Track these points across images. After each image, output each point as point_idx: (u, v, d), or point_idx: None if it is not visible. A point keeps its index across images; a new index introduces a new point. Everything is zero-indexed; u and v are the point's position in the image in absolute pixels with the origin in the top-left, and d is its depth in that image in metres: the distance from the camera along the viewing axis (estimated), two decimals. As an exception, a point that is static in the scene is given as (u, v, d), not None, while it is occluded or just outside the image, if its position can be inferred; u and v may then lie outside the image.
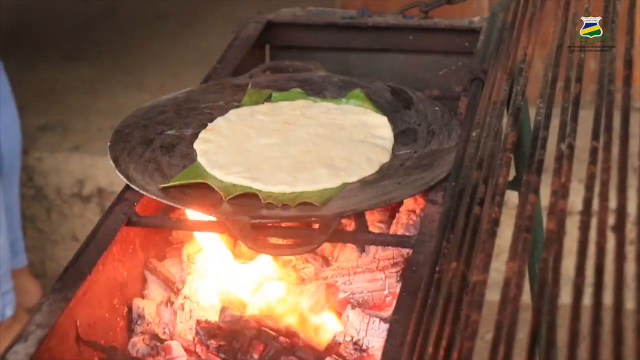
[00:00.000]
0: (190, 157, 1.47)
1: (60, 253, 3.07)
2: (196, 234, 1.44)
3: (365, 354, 1.29)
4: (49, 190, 3.04)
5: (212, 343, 1.30)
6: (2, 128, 2.74)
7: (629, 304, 0.85)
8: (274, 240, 1.31)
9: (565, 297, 0.91)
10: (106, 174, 2.95)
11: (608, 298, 0.86)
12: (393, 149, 1.49)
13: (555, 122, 1.21)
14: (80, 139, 3.10)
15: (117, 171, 1.42)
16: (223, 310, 1.33)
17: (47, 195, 3.04)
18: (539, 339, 0.89)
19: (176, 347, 1.33)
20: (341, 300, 1.37)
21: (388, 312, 1.34)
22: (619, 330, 0.81)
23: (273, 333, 1.30)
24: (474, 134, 1.34)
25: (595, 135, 1.12)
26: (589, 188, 1.02)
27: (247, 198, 1.37)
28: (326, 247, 1.46)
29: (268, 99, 1.64)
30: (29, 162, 3.00)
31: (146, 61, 3.60)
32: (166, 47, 3.71)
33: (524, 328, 0.91)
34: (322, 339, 1.33)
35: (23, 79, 3.30)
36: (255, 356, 1.27)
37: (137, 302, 1.39)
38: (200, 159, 1.46)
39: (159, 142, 1.51)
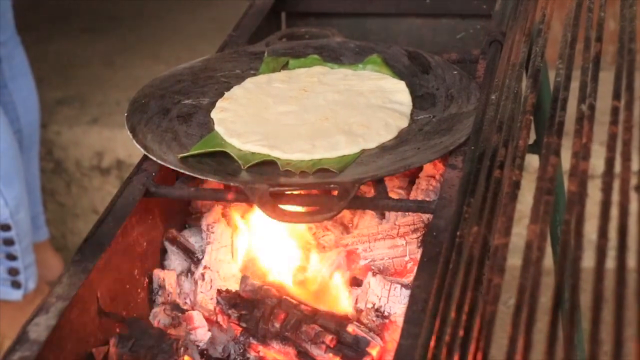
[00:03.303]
0: (207, 126, 1.46)
1: (81, 226, 3.08)
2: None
3: (387, 321, 1.29)
4: (69, 164, 3.04)
5: (233, 312, 1.29)
6: (21, 102, 2.75)
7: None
8: (293, 208, 1.30)
9: (587, 261, 0.90)
10: (125, 146, 2.95)
11: (632, 260, 0.85)
12: (412, 114, 1.48)
13: (575, 85, 1.19)
14: (98, 111, 3.10)
15: (134, 141, 1.41)
16: (244, 279, 1.33)
17: (66, 168, 3.05)
18: (562, 302, 0.88)
19: (197, 317, 1.33)
20: (362, 268, 1.37)
21: (409, 279, 1.33)
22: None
23: (294, 301, 1.29)
24: (493, 97, 1.33)
25: (616, 95, 1.10)
26: (611, 148, 1.01)
27: (266, 166, 1.36)
28: (346, 214, 1.46)
29: (285, 66, 1.63)
30: (47, 136, 3.01)
31: (163, 33, 3.59)
32: (182, 18, 3.70)
33: (547, 292, 0.90)
34: (344, 307, 1.32)
35: (40, 53, 3.30)
36: (277, 325, 1.27)
37: (158, 273, 1.39)
38: (217, 127, 1.45)
39: (176, 111, 1.50)
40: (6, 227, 2.57)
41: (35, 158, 2.84)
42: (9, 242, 2.59)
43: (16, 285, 2.65)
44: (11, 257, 2.61)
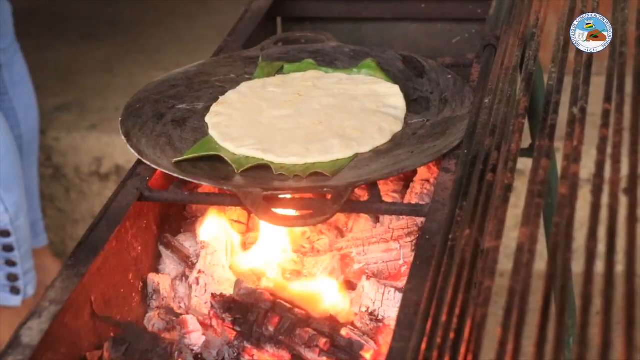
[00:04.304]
0: (201, 130, 1.46)
1: (80, 232, 3.08)
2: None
3: (381, 324, 1.29)
4: (68, 170, 3.04)
5: (228, 316, 1.29)
6: (20, 108, 2.75)
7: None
8: (286, 211, 1.30)
9: (582, 266, 0.90)
10: (124, 152, 2.95)
11: (621, 264, 0.85)
12: (405, 118, 1.48)
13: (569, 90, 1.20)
14: (97, 117, 3.10)
15: (128, 146, 1.42)
16: (238, 283, 1.33)
17: (65, 174, 3.05)
18: (551, 304, 0.89)
19: (192, 321, 1.32)
20: (356, 271, 1.37)
21: (403, 282, 1.33)
22: (632, 293, 0.80)
23: (288, 305, 1.29)
24: (486, 100, 1.33)
25: (607, 98, 1.10)
26: (601, 151, 1.01)
27: (260, 170, 1.36)
28: (340, 218, 1.46)
29: (280, 71, 1.63)
30: (46, 142, 3.01)
31: (162, 39, 3.60)
32: (182, 24, 3.71)
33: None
34: (338, 310, 1.32)
35: (40, 59, 3.30)
36: (271, 328, 1.27)
37: (152, 277, 1.39)
38: (212, 132, 1.45)
39: (171, 116, 1.50)
40: (6, 234, 2.57)
41: (35, 164, 2.85)
42: (8, 248, 2.59)
43: (15, 291, 2.65)
44: (10, 263, 2.61)
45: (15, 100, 2.74)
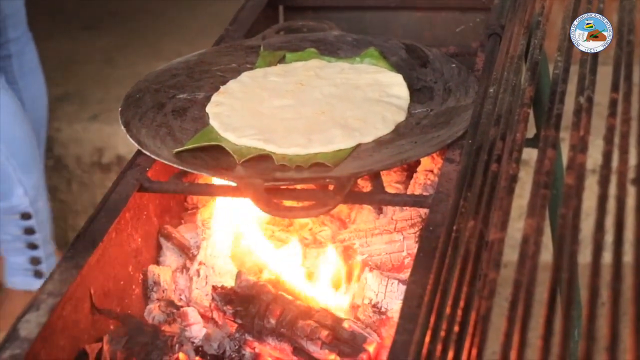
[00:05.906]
0: (202, 120, 1.45)
1: (81, 223, 3.04)
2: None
3: (384, 317, 1.27)
4: (69, 160, 3.03)
5: (229, 308, 1.28)
6: (28, 99, 2.74)
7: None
8: (288, 202, 1.28)
9: (588, 257, 0.89)
10: (125, 142, 2.92)
11: (628, 255, 0.83)
12: (409, 108, 1.46)
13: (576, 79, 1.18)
14: (99, 108, 3.08)
15: (128, 136, 1.40)
16: (239, 275, 1.31)
17: (67, 165, 3.04)
18: (558, 296, 0.87)
19: (192, 314, 1.31)
20: (359, 263, 1.35)
21: (407, 274, 1.31)
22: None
23: (290, 297, 1.28)
24: (491, 90, 1.31)
25: (614, 87, 1.09)
26: (609, 140, 0.99)
27: (261, 161, 1.34)
28: (343, 209, 1.44)
29: (281, 60, 1.61)
30: (48, 133, 3.00)
31: (163, 29, 3.58)
32: (183, 14, 3.69)
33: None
34: (340, 302, 1.31)
35: (41, 50, 3.27)
36: (273, 321, 1.25)
37: (153, 269, 1.38)
38: (212, 122, 1.43)
39: (171, 106, 1.49)
40: (26, 216, 2.57)
41: (42, 155, 2.84)
42: (29, 230, 2.59)
43: (38, 275, 2.65)
44: (32, 246, 2.61)
45: (24, 91, 2.73)
